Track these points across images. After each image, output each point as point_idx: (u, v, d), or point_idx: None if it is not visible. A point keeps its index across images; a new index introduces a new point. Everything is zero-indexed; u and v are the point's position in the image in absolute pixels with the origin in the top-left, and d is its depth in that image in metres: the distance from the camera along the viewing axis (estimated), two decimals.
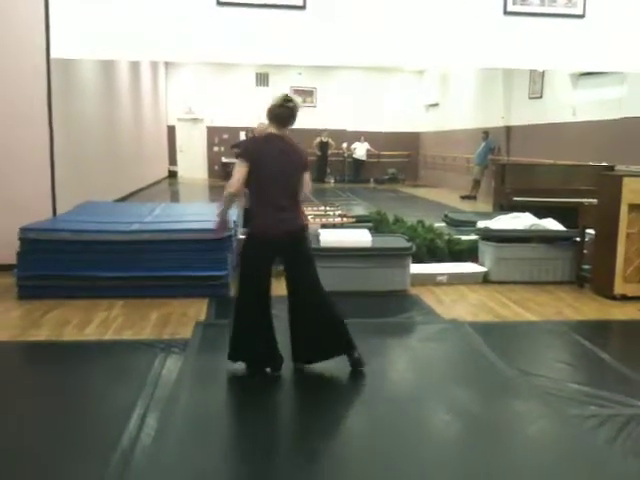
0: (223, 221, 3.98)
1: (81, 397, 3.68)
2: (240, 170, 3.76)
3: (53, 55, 6.30)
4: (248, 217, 4.64)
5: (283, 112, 3.81)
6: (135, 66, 14.60)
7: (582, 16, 6.57)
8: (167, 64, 20.05)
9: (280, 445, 3.15)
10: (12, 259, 5.56)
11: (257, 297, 3.84)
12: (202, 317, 5.11)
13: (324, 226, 6.73)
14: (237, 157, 3.93)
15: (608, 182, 5.98)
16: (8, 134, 6.45)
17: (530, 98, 13.47)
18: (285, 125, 3.85)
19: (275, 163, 3.77)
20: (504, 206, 8.51)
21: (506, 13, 6.52)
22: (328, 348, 3.93)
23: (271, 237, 3.76)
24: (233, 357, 3.94)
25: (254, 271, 3.83)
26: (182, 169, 20.84)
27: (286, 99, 3.81)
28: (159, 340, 4.52)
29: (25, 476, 2.79)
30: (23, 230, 5.53)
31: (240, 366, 3.92)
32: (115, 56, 8.58)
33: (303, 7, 6.26)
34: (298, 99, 3.88)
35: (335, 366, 3.96)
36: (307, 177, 3.95)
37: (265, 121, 3.96)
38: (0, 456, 2.96)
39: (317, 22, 6.32)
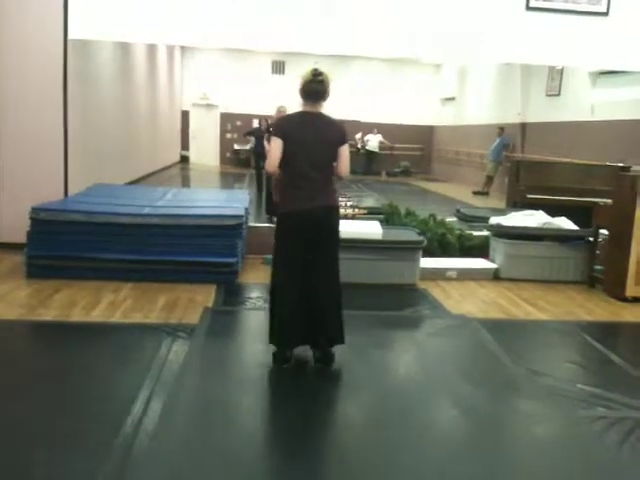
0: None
1: (86, 379, 3.67)
2: (275, 146, 3.69)
3: (70, 36, 6.27)
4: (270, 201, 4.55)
5: (317, 87, 3.73)
6: (151, 50, 14.57)
7: (606, 14, 6.48)
8: (183, 49, 20.00)
9: (282, 433, 3.13)
10: (23, 238, 5.57)
11: (292, 277, 3.76)
12: (210, 303, 5.10)
13: None
14: (270, 136, 3.84)
15: (624, 182, 5.91)
16: (23, 115, 6.43)
17: (547, 95, 13.34)
18: (319, 100, 3.76)
19: (307, 140, 3.69)
20: (518, 203, 8.44)
21: (528, 8, 6.44)
22: (308, 334, 3.83)
23: (301, 211, 3.70)
24: (272, 340, 3.88)
25: (287, 250, 3.78)
26: (194, 155, 20.84)
27: (315, 73, 3.73)
28: (166, 324, 4.51)
29: (27, 457, 2.78)
30: (34, 209, 5.54)
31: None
32: (132, 39, 8.53)
33: None
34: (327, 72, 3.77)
35: (342, 357, 3.93)
36: (343, 152, 3.78)
37: (283, 104, 3.88)
38: (2, 435, 2.96)
39: (337, 11, 6.24)
